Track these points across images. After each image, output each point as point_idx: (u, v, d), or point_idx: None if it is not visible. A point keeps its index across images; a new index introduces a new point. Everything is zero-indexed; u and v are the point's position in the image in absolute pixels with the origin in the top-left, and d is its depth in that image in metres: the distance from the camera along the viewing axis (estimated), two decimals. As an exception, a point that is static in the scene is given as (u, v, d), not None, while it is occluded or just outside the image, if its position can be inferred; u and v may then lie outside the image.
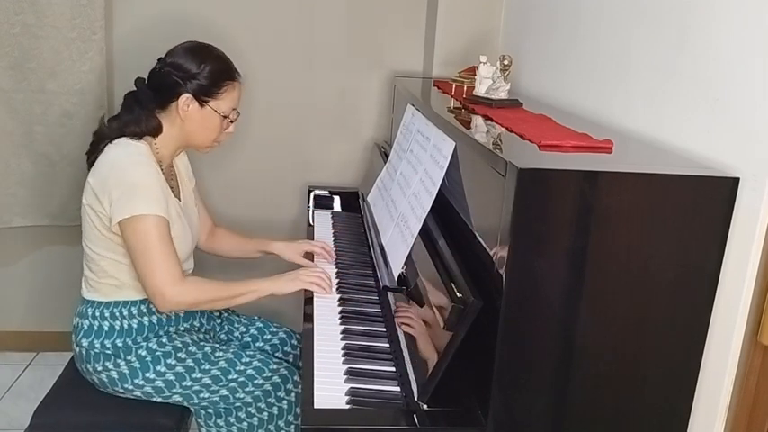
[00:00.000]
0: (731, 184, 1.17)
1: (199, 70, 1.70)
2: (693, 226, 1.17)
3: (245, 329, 2.01)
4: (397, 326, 1.52)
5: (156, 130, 1.73)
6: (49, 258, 2.70)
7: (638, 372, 1.22)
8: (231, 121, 1.79)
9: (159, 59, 1.75)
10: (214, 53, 1.76)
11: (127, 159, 1.65)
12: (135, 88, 1.77)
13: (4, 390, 2.54)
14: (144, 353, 1.71)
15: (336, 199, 2.50)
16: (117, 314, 1.72)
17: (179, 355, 1.73)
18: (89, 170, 1.72)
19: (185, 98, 1.70)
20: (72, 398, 1.76)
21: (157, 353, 1.72)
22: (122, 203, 1.60)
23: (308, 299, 1.71)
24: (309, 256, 2.01)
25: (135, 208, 1.60)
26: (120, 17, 2.48)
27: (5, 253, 2.69)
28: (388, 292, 1.62)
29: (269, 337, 2.01)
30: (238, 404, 1.75)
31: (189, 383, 1.72)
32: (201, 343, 1.79)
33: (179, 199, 1.81)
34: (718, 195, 1.17)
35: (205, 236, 2.05)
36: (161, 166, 1.73)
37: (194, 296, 1.67)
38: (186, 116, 1.72)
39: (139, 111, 1.73)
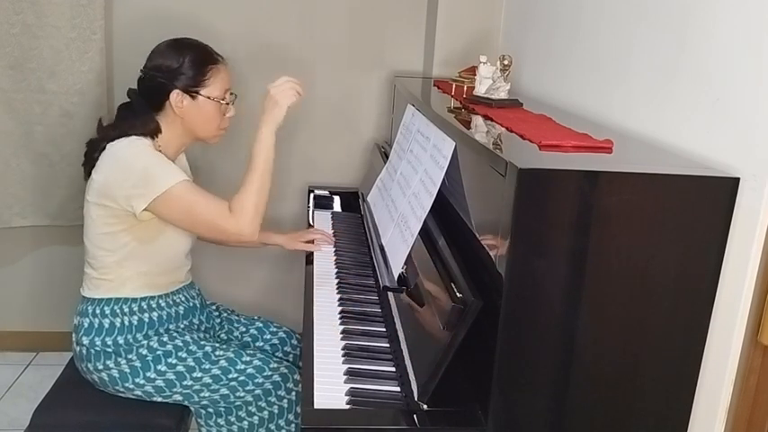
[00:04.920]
0: (731, 184, 1.17)
1: (179, 64, 1.71)
2: (693, 226, 1.17)
3: (244, 329, 2.01)
4: (396, 324, 1.52)
5: (154, 133, 1.74)
6: (49, 258, 2.70)
7: (638, 371, 1.22)
8: (227, 104, 1.79)
9: (143, 67, 1.76)
10: (190, 43, 1.77)
11: (128, 150, 1.67)
12: (128, 99, 1.80)
13: (4, 390, 2.53)
14: (145, 352, 1.72)
15: (336, 199, 2.50)
16: (117, 311, 1.72)
17: (180, 354, 1.73)
18: (86, 177, 1.73)
19: (175, 94, 1.71)
20: (72, 398, 1.76)
21: (158, 352, 1.72)
22: (141, 190, 1.62)
23: (308, 298, 1.71)
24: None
25: (157, 187, 1.62)
26: (120, 17, 2.48)
27: (5, 253, 2.69)
28: (388, 292, 1.62)
29: (269, 337, 2.01)
30: (239, 403, 1.75)
31: (189, 383, 1.72)
32: (202, 342, 1.79)
33: None
34: (718, 195, 1.17)
35: None
36: None
37: (251, 205, 1.66)
38: (183, 112, 1.73)
39: (133, 118, 1.74)
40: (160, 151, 1.73)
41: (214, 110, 1.76)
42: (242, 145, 2.60)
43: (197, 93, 1.73)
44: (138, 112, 1.75)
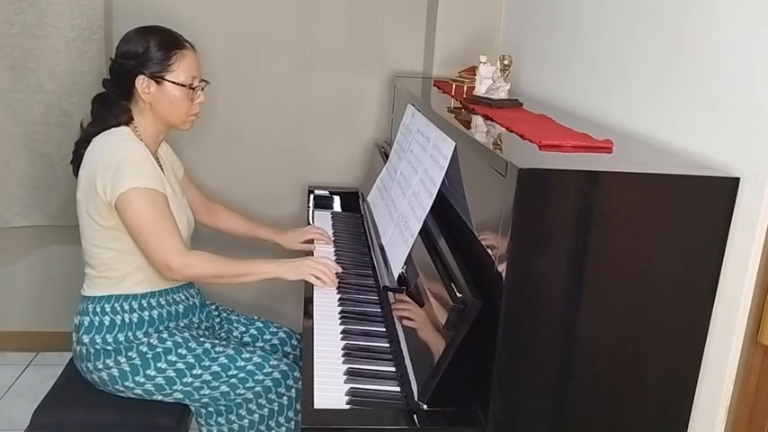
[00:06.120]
0: (731, 184, 1.17)
1: (144, 49, 1.72)
2: (693, 226, 1.17)
3: (244, 329, 2.01)
4: (396, 324, 1.52)
5: (127, 121, 1.76)
6: (49, 258, 2.70)
7: (638, 372, 1.22)
8: (192, 88, 1.77)
9: (113, 55, 1.78)
10: (155, 29, 1.77)
11: (112, 142, 1.69)
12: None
13: (4, 390, 2.53)
14: (145, 349, 1.72)
15: (336, 199, 2.50)
16: (118, 308, 1.72)
17: (179, 351, 1.73)
18: (76, 175, 1.74)
19: (141, 80, 1.72)
20: (72, 398, 1.76)
21: (158, 349, 1.72)
22: (116, 181, 1.62)
23: (308, 298, 1.71)
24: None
25: (128, 182, 1.62)
26: (120, 17, 2.48)
27: (5, 253, 2.68)
28: (388, 292, 1.62)
29: (269, 337, 2.01)
30: (239, 401, 1.75)
31: (189, 380, 1.72)
32: (201, 339, 1.79)
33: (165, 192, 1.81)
34: (718, 195, 1.17)
35: (202, 212, 2.08)
36: None
37: (199, 270, 1.71)
38: (150, 98, 1.74)
39: (104, 110, 1.75)
40: (140, 138, 1.74)
41: (181, 95, 1.75)
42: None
43: (162, 78, 1.73)
44: (111, 102, 1.76)
